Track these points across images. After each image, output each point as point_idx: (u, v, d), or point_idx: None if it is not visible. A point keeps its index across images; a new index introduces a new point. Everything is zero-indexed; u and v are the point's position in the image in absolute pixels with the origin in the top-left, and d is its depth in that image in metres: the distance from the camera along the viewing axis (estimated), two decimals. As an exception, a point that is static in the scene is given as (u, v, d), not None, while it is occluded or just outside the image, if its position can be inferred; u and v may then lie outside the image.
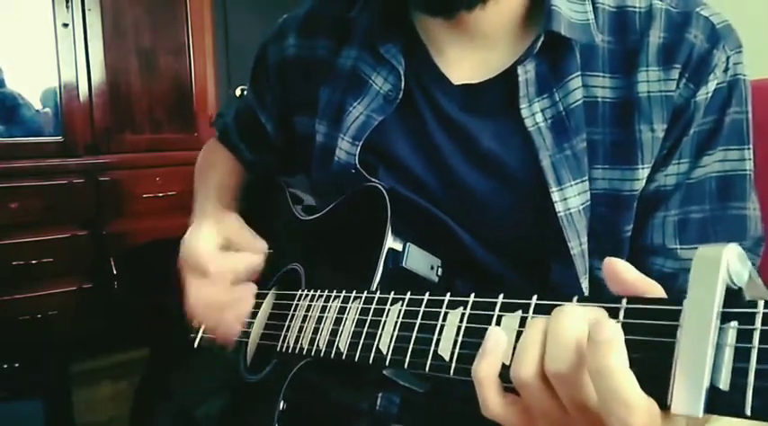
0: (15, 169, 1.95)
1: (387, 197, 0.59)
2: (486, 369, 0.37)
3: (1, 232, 1.91)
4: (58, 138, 2.05)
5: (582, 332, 0.33)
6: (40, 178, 1.98)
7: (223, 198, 0.79)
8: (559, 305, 0.36)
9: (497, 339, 0.37)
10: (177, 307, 0.69)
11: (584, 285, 0.59)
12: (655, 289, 0.35)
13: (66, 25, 2.00)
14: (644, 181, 0.57)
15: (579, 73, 0.56)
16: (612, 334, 0.31)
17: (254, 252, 0.67)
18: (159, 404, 0.85)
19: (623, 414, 0.30)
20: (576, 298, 0.37)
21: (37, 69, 2.05)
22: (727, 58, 0.56)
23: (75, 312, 2.04)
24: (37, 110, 2.12)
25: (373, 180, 0.63)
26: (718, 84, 0.56)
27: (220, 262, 0.64)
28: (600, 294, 0.36)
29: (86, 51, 2.04)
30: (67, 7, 1.99)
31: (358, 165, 0.64)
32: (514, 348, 0.37)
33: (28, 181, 1.96)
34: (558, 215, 0.56)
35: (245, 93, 0.86)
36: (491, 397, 0.37)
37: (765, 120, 0.67)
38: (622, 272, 0.35)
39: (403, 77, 0.62)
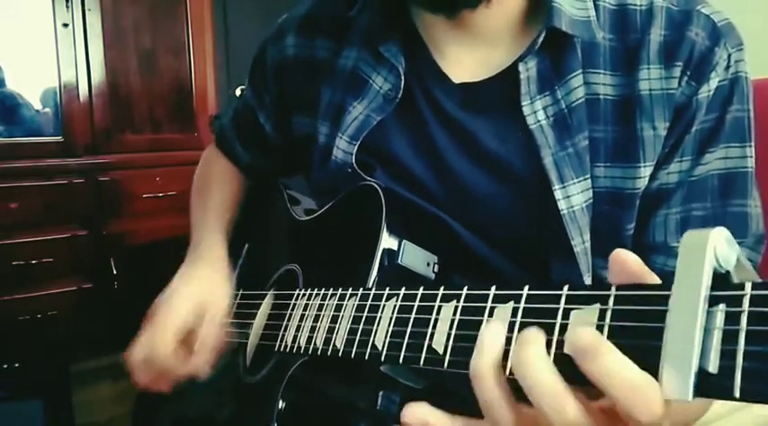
0: (15, 169, 1.95)
1: (382, 195, 0.59)
2: (479, 363, 0.35)
3: (1, 232, 1.91)
4: (58, 138, 2.05)
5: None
6: (40, 178, 1.98)
7: (217, 233, 0.79)
8: (552, 294, 0.36)
9: (495, 333, 0.36)
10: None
11: (588, 283, 0.59)
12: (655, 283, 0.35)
13: (66, 25, 2.00)
14: (646, 179, 0.57)
15: (581, 70, 0.56)
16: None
17: (218, 326, 0.69)
18: (160, 405, 0.85)
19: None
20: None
21: (37, 69, 2.05)
22: (729, 56, 0.55)
23: (76, 312, 2.04)
24: (37, 110, 2.11)
25: (368, 178, 0.63)
26: (719, 81, 0.55)
27: (189, 325, 0.67)
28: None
29: (86, 51, 2.04)
30: (67, 7, 1.99)
31: (354, 165, 0.64)
32: (508, 338, 0.36)
33: (28, 181, 1.96)
34: (561, 212, 0.56)
35: (244, 92, 0.86)
36: (487, 391, 0.35)
37: (766, 120, 0.67)
38: (630, 263, 0.34)
39: (403, 76, 0.62)
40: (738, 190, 0.57)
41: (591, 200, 0.57)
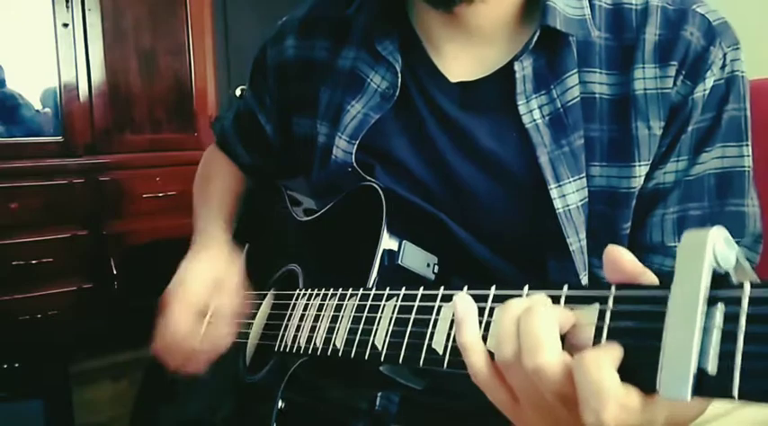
0: (15, 169, 1.95)
1: (382, 195, 0.59)
2: (466, 334, 0.38)
3: (1, 232, 1.91)
4: (58, 138, 2.05)
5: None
6: (40, 178, 1.98)
7: (221, 221, 0.79)
8: (551, 293, 0.36)
9: (464, 304, 0.38)
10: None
11: (584, 282, 0.59)
12: (652, 281, 0.34)
13: (66, 25, 2.00)
14: (641, 178, 0.57)
15: (577, 69, 0.56)
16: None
17: (236, 296, 0.68)
18: (159, 405, 0.85)
19: (595, 404, 0.30)
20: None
21: (37, 69, 2.05)
22: (724, 55, 0.56)
23: (75, 312, 2.04)
24: (37, 111, 2.12)
25: (369, 178, 0.63)
26: (715, 80, 0.55)
27: (207, 301, 0.66)
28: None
29: (86, 51, 2.04)
30: (67, 7, 1.99)
31: (354, 164, 0.64)
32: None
33: (28, 181, 1.96)
34: (557, 211, 0.56)
35: (245, 94, 0.86)
36: (477, 363, 0.37)
37: (765, 121, 0.67)
38: (623, 260, 0.34)
39: (400, 74, 0.62)
40: (735, 189, 0.57)
41: (586, 199, 0.57)
